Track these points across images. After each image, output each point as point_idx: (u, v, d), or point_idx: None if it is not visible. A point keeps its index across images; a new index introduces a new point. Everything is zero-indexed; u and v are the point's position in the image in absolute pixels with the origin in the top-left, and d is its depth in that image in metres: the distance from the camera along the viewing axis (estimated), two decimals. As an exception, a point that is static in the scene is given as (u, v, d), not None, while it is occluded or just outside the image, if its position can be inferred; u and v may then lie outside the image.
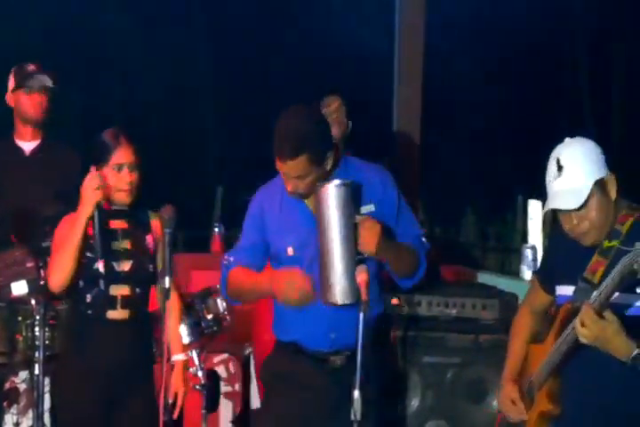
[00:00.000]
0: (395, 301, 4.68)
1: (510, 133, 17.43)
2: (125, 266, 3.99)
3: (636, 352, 2.91)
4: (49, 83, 4.95)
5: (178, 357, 4.13)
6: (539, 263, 4.61)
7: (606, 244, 3.14)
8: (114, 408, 3.97)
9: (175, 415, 4.10)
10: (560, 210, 3.16)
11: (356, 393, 3.15)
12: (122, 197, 4.02)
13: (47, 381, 4.22)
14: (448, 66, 16.45)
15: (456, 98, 17.89)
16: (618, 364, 3.03)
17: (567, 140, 3.22)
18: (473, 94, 17.88)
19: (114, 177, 4.01)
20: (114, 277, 3.96)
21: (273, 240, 3.63)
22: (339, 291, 3.37)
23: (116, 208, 4.04)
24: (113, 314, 3.97)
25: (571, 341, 3.09)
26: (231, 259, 3.70)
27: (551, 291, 3.39)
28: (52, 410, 4.22)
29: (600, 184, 3.14)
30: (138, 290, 3.99)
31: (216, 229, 6.87)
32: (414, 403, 4.72)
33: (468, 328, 4.75)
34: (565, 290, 3.25)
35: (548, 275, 3.42)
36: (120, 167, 4.00)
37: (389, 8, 6.66)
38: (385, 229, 3.43)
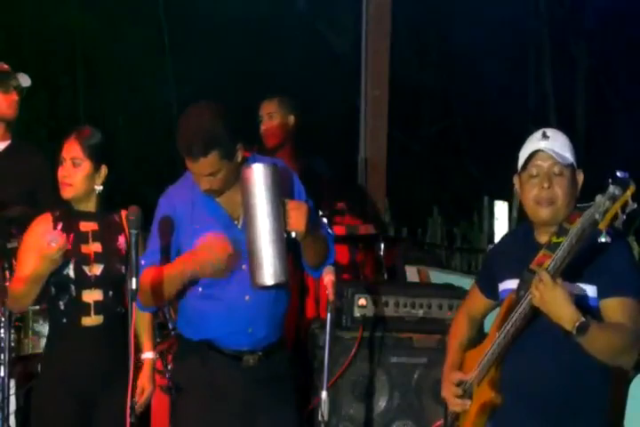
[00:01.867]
0: (362, 301, 4.69)
1: (476, 134, 17.51)
2: (96, 270, 3.95)
3: (580, 321, 2.94)
4: (27, 82, 4.96)
5: (147, 355, 4.08)
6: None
7: (554, 240, 3.15)
8: (91, 410, 3.95)
9: (137, 409, 4.04)
10: (539, 165, 3.14)
11: (324, 394, 3.16)
12: (63, 192, 3.97)
13: (12, 383, 4.19)
14: (414, 67, 16.51)
15: (423, 98, 17.95)
16: (558, 356, 3.08)
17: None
18: (439, 94, 17.95)
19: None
20: (85, 282, 3.92)
21: (185, 239, 3.59)
22: (269, 271, 3.36)
23: (84, 210, 4.00)
24: (87, 321, 3.94)
25: (521, 317, 3.09)
26: (142, 262, 3.63)
27: (492, 295, 3.42)
28: (18, 412, 4.19)
29: (573, 170, 3.19)
30: (110, 293, 3.95)
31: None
32: (381, 403, 4.73)
33: (434, 329, 4.77)
34: (510, 284, 3.27)
35: (488, 279, 3.45)
36: (62, 161, 3.97)
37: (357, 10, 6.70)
38: (310, 212, 3.45)
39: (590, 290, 3.11)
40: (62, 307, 3.95)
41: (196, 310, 3.62)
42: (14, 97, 4.94)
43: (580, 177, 3.22)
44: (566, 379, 3.15)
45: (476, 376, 3.30)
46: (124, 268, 3.97)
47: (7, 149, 5.00)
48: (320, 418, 3.17)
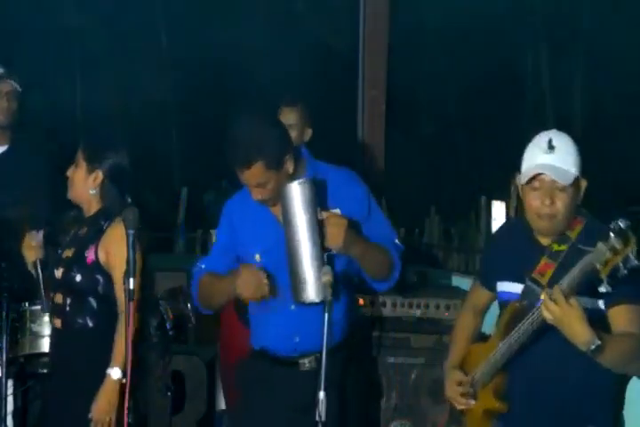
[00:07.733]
0: (360, 301, 4.69)
1: (473, 135, 17.53)
2: (59, 273, 3.96)
3: (596, 344, 2.91)
4: (18, 87, 4.94)
5: (110, 370, 3.83)
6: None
7: (555, 247, 3.16)
8: (60, 409, 3.95)
9: None
10: (542, 179, 3.13)
11: (321, 394, 3.15)
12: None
13: (10, 383, 4.20)
14: (412, 68, 16.52)
15: (420, 99, 17.98)
16: (575, 364, 3.06)
17: (555, 130, 3.23)
18: (436, 96, 17.97)
19: None
20: (52, 283, 3.97)
21: (242, 247, 3.64)
22: (311, 289, 3.36)
23: (86, 214, 4.01)
24: (54, 322, 3.99)
25: (531, 330, 3.08)
26: (202, 266, 3.70)
27: (492, 288, 3.42)
28: (16, 413, 4.20)
29: (577, 181, 3.17)
30: (69, 300, 3.92)
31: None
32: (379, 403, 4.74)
33: (431, 329, 4.78)
34: (509, 286, 3.27)
35: (488, 273, 3.45)
36: None
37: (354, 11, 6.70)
38: (352, 225, 3.43)
39: (598, 302, 3.09)
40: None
41: (254, 318, 3.69)
42: (5, 103, 4.92)
43: (583, 184, 3.18)
44: (576, 384, 3.14)
45: (478, 378, 3.30)
46: (79, 276, 3.88)
47: (5, 153, 4.99)
48: (317, 418, 3.17)
